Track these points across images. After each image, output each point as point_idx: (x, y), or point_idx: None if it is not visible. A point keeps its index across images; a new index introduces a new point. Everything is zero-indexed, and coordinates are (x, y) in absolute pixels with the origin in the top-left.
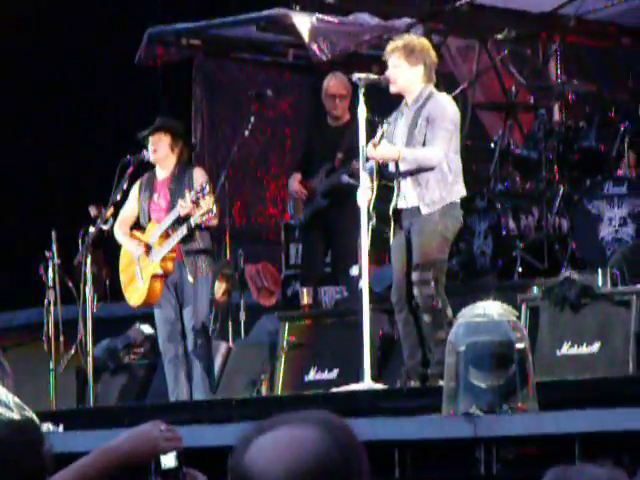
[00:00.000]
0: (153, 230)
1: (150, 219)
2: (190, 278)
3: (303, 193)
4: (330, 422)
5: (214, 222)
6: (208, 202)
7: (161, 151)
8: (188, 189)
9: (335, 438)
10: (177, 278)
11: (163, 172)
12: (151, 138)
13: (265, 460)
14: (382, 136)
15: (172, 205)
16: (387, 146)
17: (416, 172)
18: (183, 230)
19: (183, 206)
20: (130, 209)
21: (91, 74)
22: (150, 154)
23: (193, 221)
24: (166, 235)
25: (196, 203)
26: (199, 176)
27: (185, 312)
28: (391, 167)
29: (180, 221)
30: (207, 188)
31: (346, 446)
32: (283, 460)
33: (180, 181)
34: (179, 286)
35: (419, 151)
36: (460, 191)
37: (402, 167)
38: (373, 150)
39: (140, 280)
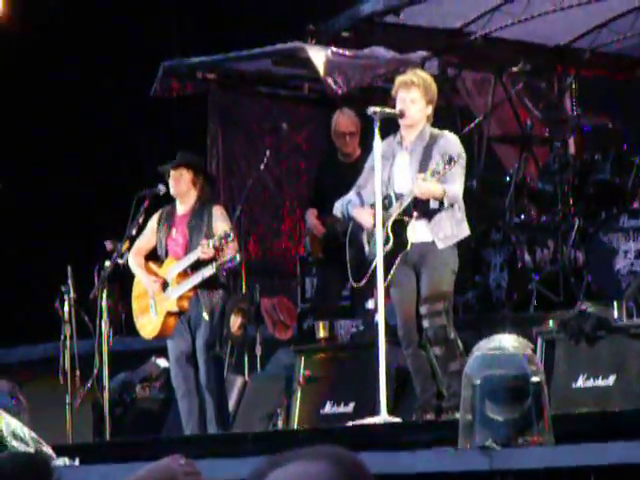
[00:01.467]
0: (171, 267)
1: (167, 253)
2: (205, 314)
3: (322, 229)
4: (342, 457)
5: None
6: (232, 249)
7: (182, 186)
8: (208, 228)
9: (347, 473)
10: (192, 312)
11: (182, 207)
12: (172, 173)
13: None
14: (432, 173)
15: (190, 242)
16: (433, 182)
17: (430, 208)
18: (204, 274)
19: (205, 251)
20: (146, 240)
21: (107, 107)
22: (171, 189)
23: (216, 267)
24: (184, 274)
25: (218, 249)
26: (219, 214)
27: (198, 345)
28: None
29: (200, 263)
30: (232, 235)
31: None
32: None
33: (199, 218)
34: (193, 320)
35: (450, 188)
36: (466, 229)
37: (446, 203)
38: (422, 184)
39: (154, 314)
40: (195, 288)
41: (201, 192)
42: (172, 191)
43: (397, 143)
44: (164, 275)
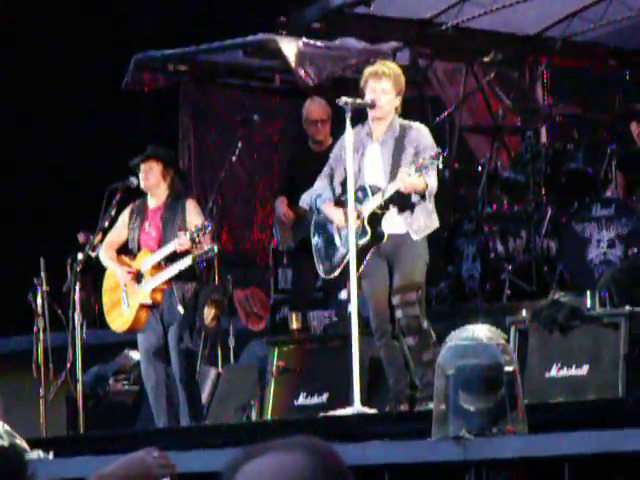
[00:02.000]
0: (145, 259)
1: (140, 247)
2: (179, 306)
3: (290, 217)
4: (317, 448)
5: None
6: (208, 241)
7: (152, 179)
8: (181, 222)
9: (321, 464)
10: (165, 304)
11: (154, 200)
12: (142, 166)
13: None
14: (420, 167)
15: (163, 235)
16: (416, 177)
17: (404, 200)
18: (181, 265)
19: (182, 243)
20: (118, 234)
21: (77, 101)
22: (141, 182)
23: (193, 259)
24: (158, 267)
25: (195, 241)
26: (192, 208)
27: (171, 338)
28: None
29: (175, 255)
30: (209, 227)
31: (332, 472)
32: None
33: (173, 212)
34: (165, 312)
35: (429, 181)
36: (436, 220)
37: (427, 195)
38: (407, 179)
39: (126, 307)
40: (169, 281)
41: (172, 185)
42: (142, 184)
43: (366, 134)
44: (137, 267)
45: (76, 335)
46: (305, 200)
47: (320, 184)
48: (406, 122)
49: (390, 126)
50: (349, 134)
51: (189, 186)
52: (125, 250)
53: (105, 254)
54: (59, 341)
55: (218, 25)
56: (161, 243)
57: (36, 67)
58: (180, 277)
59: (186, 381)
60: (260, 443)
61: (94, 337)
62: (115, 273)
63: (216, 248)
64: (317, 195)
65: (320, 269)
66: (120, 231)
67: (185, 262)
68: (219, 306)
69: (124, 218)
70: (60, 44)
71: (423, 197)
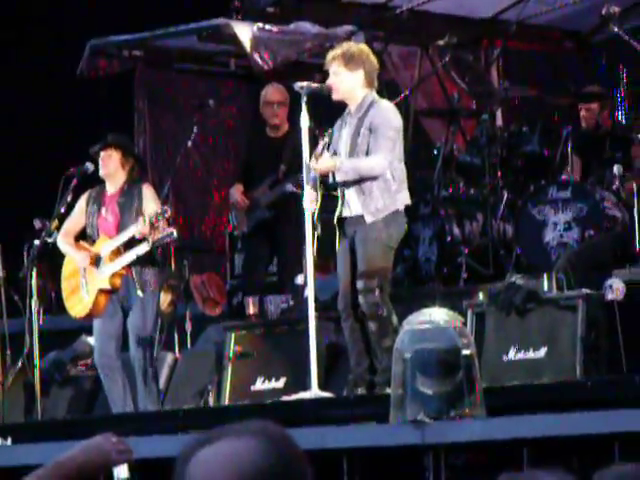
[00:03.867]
0: (103, 244)
1: (98, 233)
2: (138, 290)
3: (245, 203)
4: (271, 433)
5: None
6: (166, 225)
7: (111, 167)
8: (138, 207)
9: (276, 449)
10: (123, 290)
11: (111, 187)
12: (102, 153)
13: (205, 473)
14: (324, 148)
15: (121, 220)
16: (327, 158)
17: (360, 181)
18: (139, 250)
19: (140, 228)
20: (75, 221)
21: (32, 87)
22: (100, 169)
23: (152, 243)
24: (117, 252)
25: (153, 225)
26: (149, 193)
27: (130, 323)
28: (336, 177)
29: (134, 240)
30: (168, 212)
31: (288, 456)
32: (223, 473)
33: (130, 197)
34: (125, 298)
35: (361, 161)
36: (404, 199)
37: (339, 177)
38: (315, 163)
39: (85, 292)
40: (128, 266)
41: (130, 173)
42: (101, 172)
43: (346, 114)
44: (97, 252)
45: (33, 321)
46: None
47: None
48: (376, 100)
49: (360, 105)
50: (304, 119)
51: (144, 170)
52: (84, 237)
53: (63, 240)
54: (16, 327)
55: (173, 10)
56: (119, 229)
57: None
58: (139, 263)
59: (145, 367)
60: (216, 428)
61: (51, 323)
62: (74, 258)
63: (175, 233)
64: None
65: None
66: (77, 218)
67: (143, 247)
68: (175, 291)
69: (81, 205)
70: (12, 31)
71: (373, 178)
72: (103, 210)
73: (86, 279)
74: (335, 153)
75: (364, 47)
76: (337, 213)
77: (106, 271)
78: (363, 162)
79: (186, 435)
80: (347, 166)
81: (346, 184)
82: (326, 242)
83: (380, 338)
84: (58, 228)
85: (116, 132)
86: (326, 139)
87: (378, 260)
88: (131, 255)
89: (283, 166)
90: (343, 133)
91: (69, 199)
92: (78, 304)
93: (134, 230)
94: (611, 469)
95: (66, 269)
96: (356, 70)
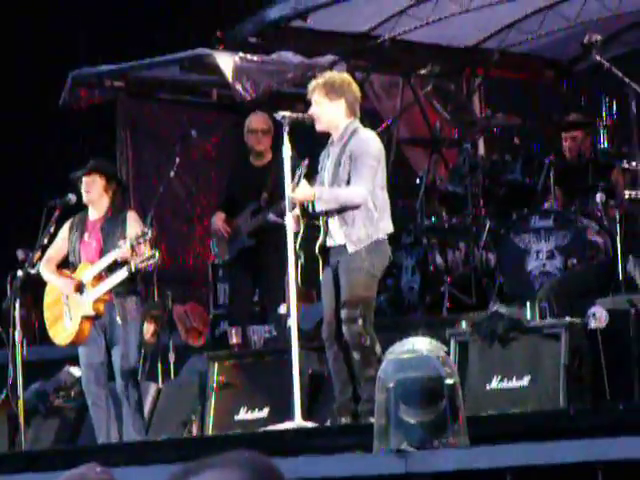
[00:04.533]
0: (85, 270)
1: (80, 259)
2: (119, 320)
3: (226, 231)
4: (256, 463)
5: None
6: (148, 247)
7: (94, 193)
8: (122, 233)
9: (261, 479)
10: (106, 319)
11: (95, 213)
12: (85, 179)
13: None
14: (300, 177)
15: (104, 246)
16: (304, 187)
17: (342, 210)
18: (122, 274)
19: (122, 251)
20: (57, 248)
21: (14, 118)
22: (83, 195)
23: (134, 267)
24: (100, 277)
25: (134, 249)
26: (133, 219)
27: (114, 353)
28: (316, 207)
29: (116, 265)
30: (149, 234)
31: None
32: None
33: (114, 223)
34: (108, 327)
35: (341, 191)
36: (387, 228)
37: (319, 207)
38: (293, 195)
39: (68, 320)
40: (111, 292)
41: (113, 199)
42: (84, 198)
43: (330, 144)
44: (79, 279)
45: (17, 352)
46: None
47: None
48: (358, 128)
49: (341, 134)
50: (287, 148)
51: (128, 201)
52: (66, 264)
53: (45, 268)
54: None
55: (154, 40)
56: (101, 255)
57: None
58: (121, 292)
59: (131, 397)
60: (200, 459)
61: (34, 354)
62: (57, 285)
63: (157, 255)
64: None
65: None
66: (60, 246)
67: (125, 271)
68: (158, 321)
69: (64, 232)
70: None
71: (353, 207)
72: (86, 235)
73: (69, 306)
74: (322, 183)
75: (346, 76)
76: (320, 242)
77: (89, 297)
78: (343, 192)
79: (171, 465)
80: (327, 196)
81: (328, 213)
82: (309, 271)
83: (363, 367)
84: (41, 259)
85: (99, 158)
86: (303, 169)
87: (361, 289)
88: (113, 279)
89: (265, 194)
90: (327, 163)
91: (52, 230)
92: (62, 332)
93: (115, 254)
94: None
95: (48, 297)
96: (338, 100)
